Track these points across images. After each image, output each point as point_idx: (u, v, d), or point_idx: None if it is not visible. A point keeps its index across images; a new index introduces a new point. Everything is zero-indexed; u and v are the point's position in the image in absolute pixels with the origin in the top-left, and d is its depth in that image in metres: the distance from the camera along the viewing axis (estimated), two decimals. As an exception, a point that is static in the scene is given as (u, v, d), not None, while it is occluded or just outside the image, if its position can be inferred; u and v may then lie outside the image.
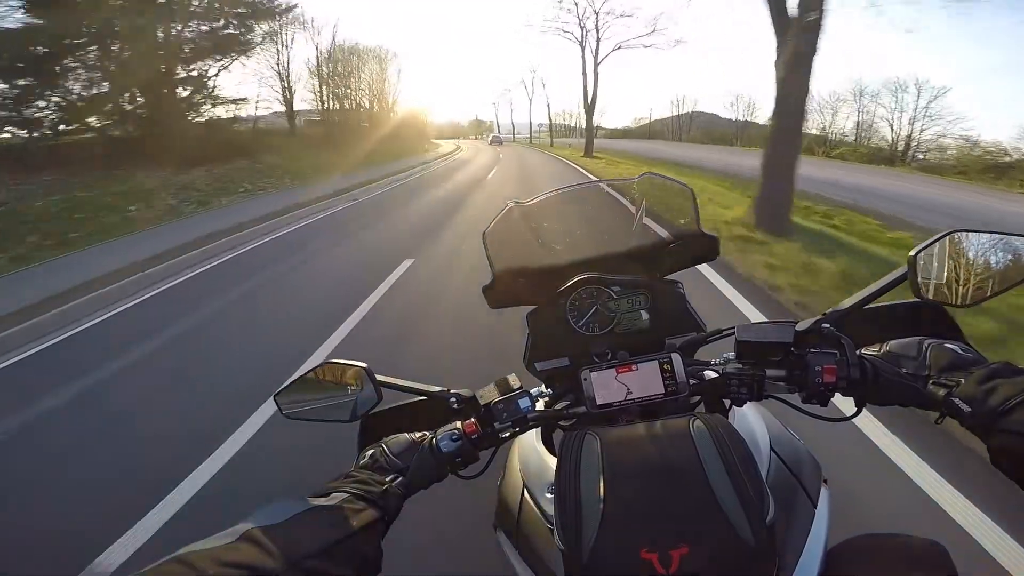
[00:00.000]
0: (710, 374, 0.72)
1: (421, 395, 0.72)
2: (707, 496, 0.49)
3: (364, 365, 0.70)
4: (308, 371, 0.71)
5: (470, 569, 1.57)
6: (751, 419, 0.82)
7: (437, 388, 0.72)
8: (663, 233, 0.87)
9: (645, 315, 0.85)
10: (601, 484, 0.52)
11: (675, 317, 0.84)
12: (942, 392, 0.55)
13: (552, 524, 0.53)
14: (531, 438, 0.89)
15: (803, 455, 0.79)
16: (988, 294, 0.61)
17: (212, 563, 0.38)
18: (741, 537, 0.47)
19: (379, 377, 0.70)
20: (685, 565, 0.46)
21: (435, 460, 0.66)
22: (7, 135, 12.32)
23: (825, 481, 0.76)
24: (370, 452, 0.64)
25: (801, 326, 0.66)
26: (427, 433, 0.69)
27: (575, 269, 0.87)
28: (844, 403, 0.66)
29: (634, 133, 75.37)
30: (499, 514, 0.85)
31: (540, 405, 0.76)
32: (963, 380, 0.54)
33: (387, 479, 0.59)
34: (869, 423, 2.22)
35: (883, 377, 0.60)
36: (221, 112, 18.30)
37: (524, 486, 0.81)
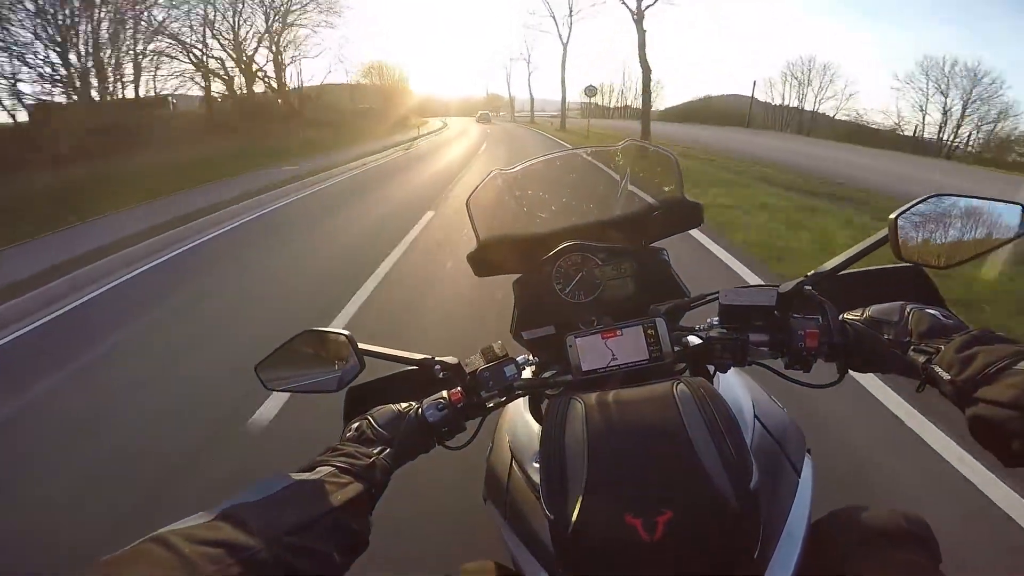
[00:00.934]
0: (694, 340, 0.72)
1: (404, 363, 0.72)
2: (691, 461, 0.49)
3: (347, 333, 0.68)
4: (288, 341, 0.70)
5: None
6: (735, 387, 0.82)
7: (421, 356, 0.72)
8: (647, 200, 0.87)
9: (630, 282, 0.85)
10: (585, 451, 0.51)
11: (660, 284, 0.84)
12: (922, 359, 0.55)
13: (539, 494, 0.53)
14: (519, 408, 0.89)
15: (787, 424, 0.80)
16: (968, 257, 0.62)
17: (188, 541, 0.37)
18: (725, 502, 0.47)
19: (361, 345, 0.69)
20: (669, 530, 0.46)
21: (421, 430, 0.66)
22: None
23: (808, 451, 0.77)
24: (356, 424, 0.64)
25: (783, 288, 0.66)
26: (413, 403, 0.68)
27: (560, 237, 0.86)
28: (827, 370, 0.66)
29: (699, 115, 56.25)
30: (488, 486, 0.85)
31: (527, 374, 0.75)
32: (943, 347, 0.53)
33: (374, 451, 0.58)
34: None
35: (865, 343, 0.61)
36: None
37: (512, 457, 0.81)
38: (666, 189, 0.87)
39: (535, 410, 0.89)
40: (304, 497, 0.47)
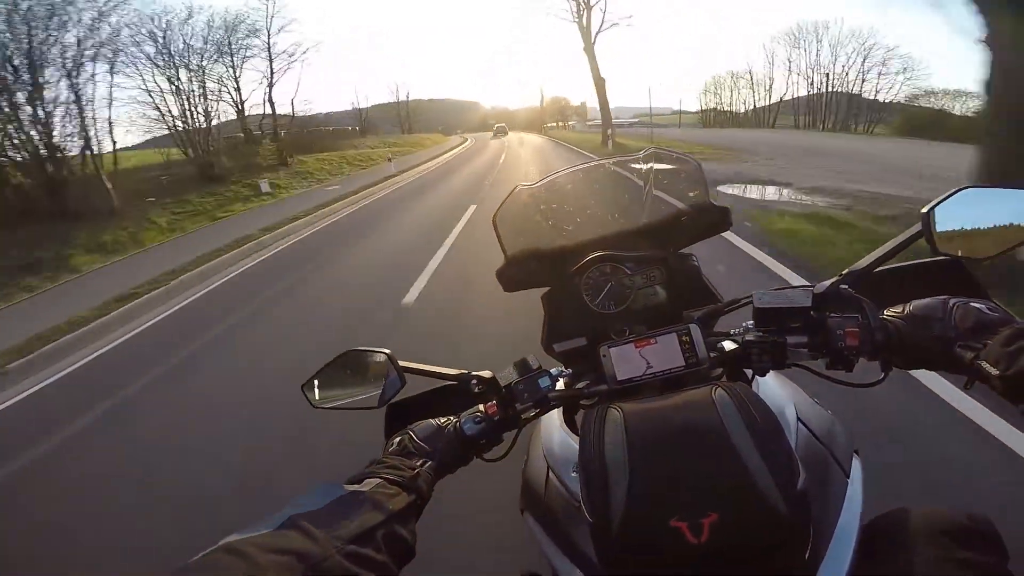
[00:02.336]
0: (730, 344, 0.71)
1: (442, 379, 0.73)
2: (735, 464, 0.49)
3: (387, 352, 0.71)
4: (331, 361, 0.72)
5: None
6: (775, 389, 0.81)
7: (457, 371, 0.73)
8: (673, 207, 0.87)
9: (661, 290, 0.85)
10: (626, 456, 0.52)
11: (691, 290, 0.84)
12: (969, 355, 0.53)
13: (579, 502, 0.54)
14: (553, 420, 0.89)
15: (832, 425, 0.78)
16: (1006, 248, 0.61)
17: (261, 551, 0.39)
18: (772, 505, 0.46)
19: (401, 363, 0.71)
20: (716, 534, 0.46)
21: (461, 443, 0.67)
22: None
23: (857, 451, 0.75)
24: (398, 439, 0.65)
25: (819, 288, 0.66)
26: (451, 418, 0.70)
27: (587, 248, 0.87)
28: (869, 369, 0.65)
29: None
30: (525, 497, 0.85)
31: (560, 385, 0.76)
32: (989, 342, 0.52)
33: (417, 464, 0.60)
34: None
35: (908, 339, 0.59)
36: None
37: (548, 467, 0.81)
38: (692, 194, 0.87)
39: (569, 421, 0.90)
40: (359, 507, 0.49)
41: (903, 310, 0.62)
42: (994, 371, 0.50)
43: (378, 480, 0.54)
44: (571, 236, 0.91)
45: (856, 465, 0.72)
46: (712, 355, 0.70)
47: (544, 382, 0.71)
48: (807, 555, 0.50)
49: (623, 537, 0.48)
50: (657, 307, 0.84)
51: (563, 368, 0.80)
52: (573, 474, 0.77)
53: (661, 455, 0.52)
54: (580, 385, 0.76)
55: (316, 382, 0.73)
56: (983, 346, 0.52)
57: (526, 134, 52.41)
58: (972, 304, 0.58)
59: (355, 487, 0.52)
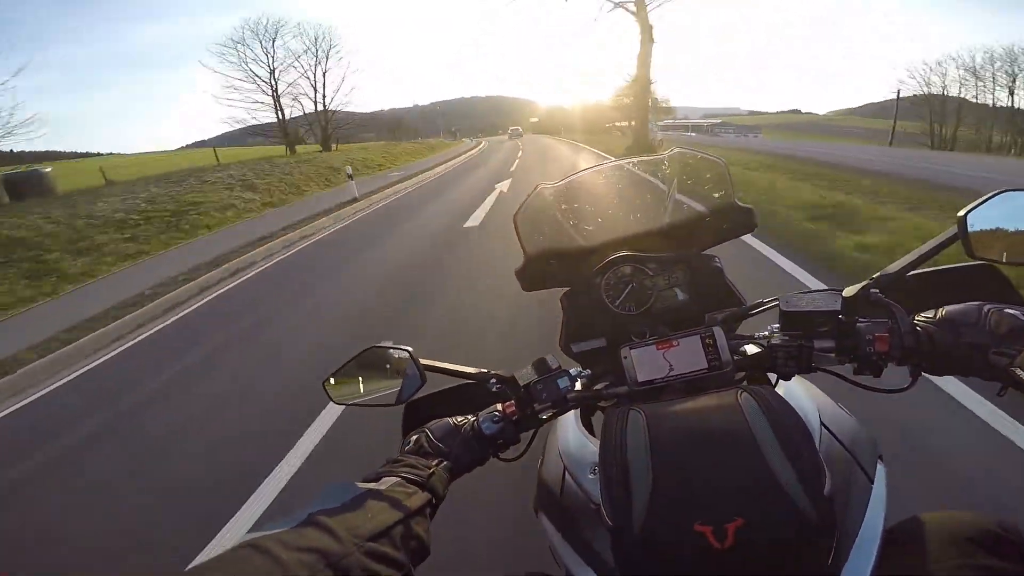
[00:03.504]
0: (754, 348, 0.70)
1: (462, 377, 0.73)
2: (761, 467, 0.48)
3: (409, 349, 0.71)
4: (353, 357, 0.73)
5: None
6: (799, 394, 0.79)
7: (477, 370, 0.73)
8: (697, 208, 0.86)
9: (682, 291, 0.84)
10: (649, 459, 0.51)
11: (714, 292, 0.83)
12: (1004, 361, 0.52)
13: (596, 503, 0.53)
14: (570, 421, 0.89)
15: (857, 430, 0.76)
16: None
17: (283, 547, 0.39)
18: (799, 509, 0.45)
19: (423, 361, 0.71)
20: (741, 538, 0.45)
21: (477, 443, 0.67)
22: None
23: (880, 457, 0.73)
24: (414, 437, 0.66)
25: (848, 292, 0.64)
26: (469, 417, 0.70)
27: (608, 249, 0.86)
28: (898, 374, 0.63)
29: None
30: (540, 498, 0.85)
31: (578, 386, 0.76)
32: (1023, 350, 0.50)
33: (433, 463, 0.60)
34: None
35: (940, 346, 0.58)
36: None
37: (565, 468, 0.81)
38: (716, 195, 0.86)
39: (586, 422, 0.89)
40: (377, 505, 0.49)
41: (935, 315, 0.60)
42: None
43: (395, 479, 0.55)
44: (592, 236, 0.91)
45: (880, 470, 0.71)
46: (736, 358, 0.68)
47: (563, 382, 0.71)
48: (830, 560, 0.49)
49: (645, 541, 0.48)
50: (679, 309, 0.83)
51: (581, 369, 0.79)
52: (591, 475, 0.77)
53: (685, 458, 0.51)
54: (599, 386, 0.76)
55: (337, 378, 0.74)
56: (1018, 353, 0.51)
57: (555, 139, 42.98)
58: (1007, 310, 0.56)
59: (372, 485, 0.53)
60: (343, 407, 0.77)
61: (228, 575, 0.36)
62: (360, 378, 0.73)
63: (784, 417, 0.52)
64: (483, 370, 0.73)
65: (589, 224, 0.92)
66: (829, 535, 0.47)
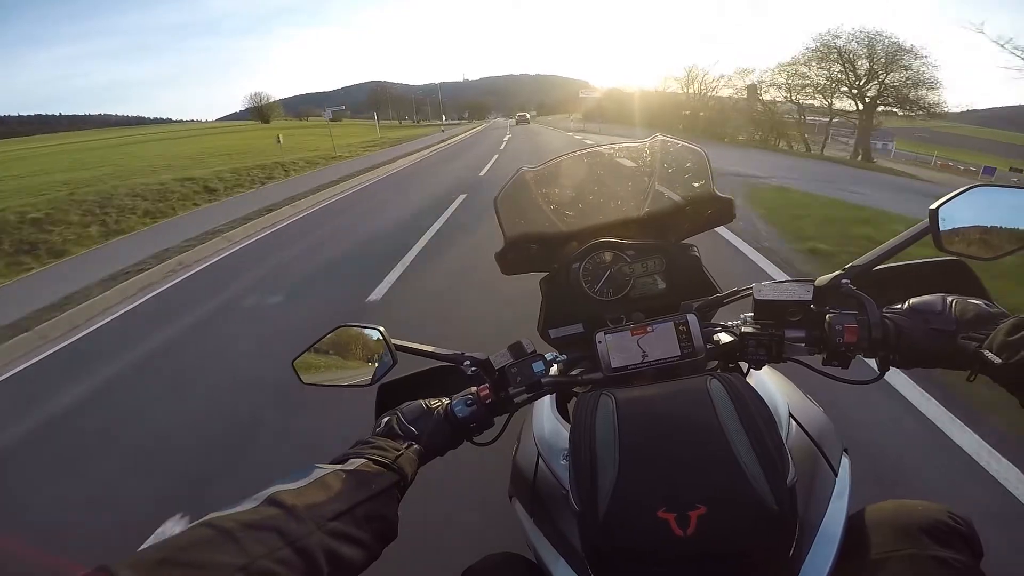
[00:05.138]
0: (727, 336, 0.70)
1: (435, 358, 0.72)
2: (726, 456, 0.48)
3: (380, 329, 0.70)
4: (322, 336, 0.71)
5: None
6: (769, 384, 0.80)
7: (451, 352, 0.72)
8: (676, 197, 0.86)
9: (660, 279, 0.84)
10: (616, 444, 0.51)
11: (690, 281, 0.83)
12: (972, 346, 0.53)
13: (567, 489, 0.53)
14: (546, 407, 0.89)
15: (824, 423, 0.78)
16: (1012, 249, 0.60)
17: (241, 527, 0.39)
18: (762, 499, 0.46)
19: (394, 341, 0.70)
20: (703, 526, 0.46)
21: (450, 426, 0.67)
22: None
23: (846, 450, 0.75)
24: (385, 419, 0.65)
25: (820, 282, 0.65)
26: (442, 400, 0.69)
27: (588, 235, 0.86)
28: (867, 366, 0.64)
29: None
30: (514, 483, 0.85)
31: (555, 371, 0.75)
32: (992, 333, 0.52)
33: (403, 446, 0.60)
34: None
35: (908, 337, 0.59)
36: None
37: (539, 454, 0.81)
38: (696, 185, 0.86)
39: (562, 408, 0.89)
40: (341, 486, 0.49)
41: (902, 306, 0.61)
42: (997, 360, 0.49)
43: (362, 460, 0.54)
44: (572, 222, 0.90)
45: (845, 463, 0.72)
46: (708, 346, 0.69)
47: (538, 366, 0.70)
48: (792, 551, 0.49)
49: (608, 527, 0.48)
50: (655, 296, 0.84)
51: (558, 354, 0.79)
52: (563, 461, 0.77)
53: (652, 445, 0.51)
54: (575, 372, 0.76)
55: (307, 358, 0.72)
56: (985, 337, 0.52)
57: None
58: (971, 300, 0.58)
59: (338, 467, 0.52)
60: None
61: (184, 555, 0.35)
62: (331, 358, 0.72)
63: (751, 406, 0.52)
64: (458, 352, 0.72)
65: (570, 209, 0.91)
66: (791, 525, 0.47)
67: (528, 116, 59.59)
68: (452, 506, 1.75)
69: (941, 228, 0.60)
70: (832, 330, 0.61)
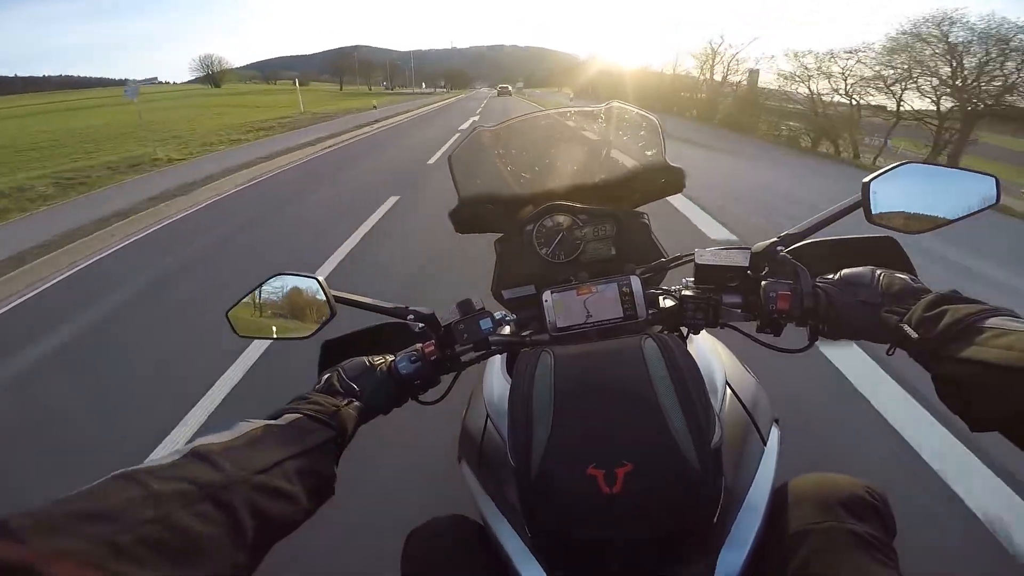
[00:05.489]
0: (669, 301, 0.72)
1: (377, 311, 0.71)
2: (655, 415, 0.50)
3: (319, 279, 0.68)
4: (257, 285, 0.69)
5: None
6: (707, 350, 0.83)
7: (394, 305, 0.71)
8: (629, 164, 0.86)
9: (610, 244, 0.85)
10: (552, 402, 0.52)
11: (639, 247, 0.85)
12: (894, 319, 0.55)
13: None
14: (496, 367, 0.89)
15: (757, 392, 0.81)
16: (937, 224, 0.63)
17: (156, 479, 0.37)
18: (686, 459, 0.47)
19: (333, 292, 0.68)
20: (629, 483, 0.47)
21: (394, 383, 0.66)
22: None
23: (777, 420, 0.78)
24: (326, 376, 0.64)
25: (756, 248, 0.67)
26: (387, 357, 0.68)
27: (543, 198, 0.86)
28: (798, 336, 0.66)
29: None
30: (462, 446, 0.85)
31: (505, 331, 0.76)
32: (912, 308, 0.54)
33: (342, 402, 0.59)
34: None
35: (836, 307, 0.61)
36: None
37: (487, 416, 0.82)
38: (648, 153, 0.86)
39: (511, 369, 0.90)
40: (272, 440, 0.47)
41: (834, 277, 0.64)
42: (914, 335, 0.51)
43: (297, 415, 0.53)
44: (527, 185, 0.90)
45: (775, 433, 0.75)
46: (651, 310, 0.70)
47: (485, 324, 0.70)
48: (717, 515, 0.51)
49: (540, 483, 0.49)
50: (605, 261, 0.85)
51: (507, 313, 0.79)
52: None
53: (585, 402, 0.52)
54: (525, 333, 0.76)
55: (242, 308, 0.70)
56: (906, 311, 0.54)
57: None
58: (897, 275, 0.60)
59: (271, 422, 0.51)
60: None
61: (91, 507, 0.33)
62: (267, 309, 0.70)
63: (683, 368, 0.53)
64: (402, 305, 0.71)
65: (526, 172, 0.91)
66: (715, 488, 0.49)
67: (511, 88, 56.76)
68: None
69: (872, 201, 0.62)
70: (766, 297, 0.63)
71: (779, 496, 0.66)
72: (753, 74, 20.25)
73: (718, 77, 22.02)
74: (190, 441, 0.43)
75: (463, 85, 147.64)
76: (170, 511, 0.35)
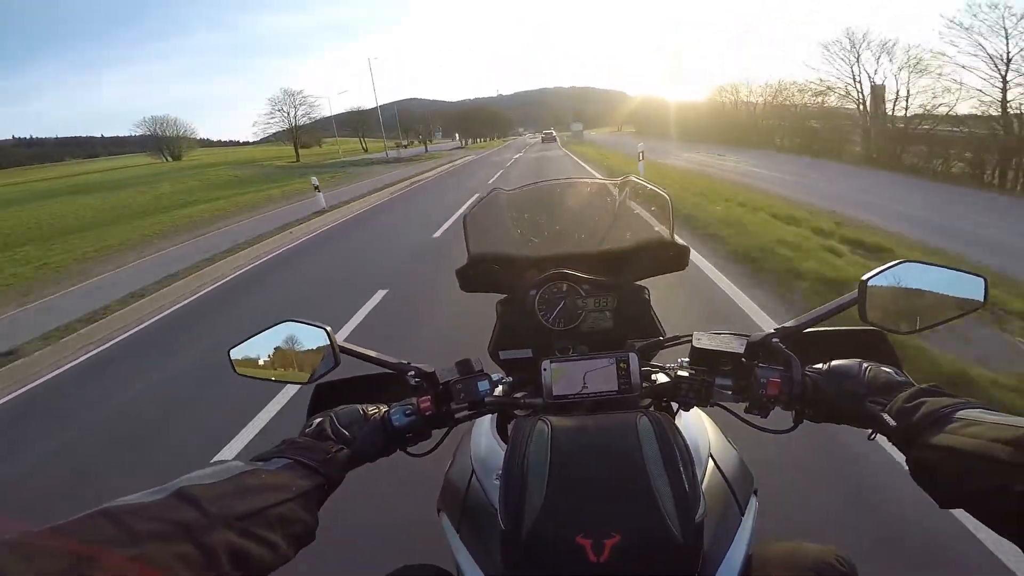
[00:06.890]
0: (663, 378, 0.74)
1: (381, 365, 0.72)
2: (644, 489, 0.51)
3: (327, 328, 0.69)
4: (265, 328, 0.70)
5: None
6: (694, 425, 0.84)
7: (397, 360, 0.73)
8: (637, 238, 0.89)
9: (610, 316, 0.87)
10: (547, 469, 0.53)
11: (638, 321, 0.87)
12: (876, 408, 0.58)
13: (496, 508, 0.54)
14: (485, 426, 0.90)
15: (738, 465, 0.82)
16: (928, 325, 0.65)
17: (139, 518, 0.37)
18: (671, 532, 0.48)
19: (340, 343, 0.69)
20: (615, 554, 0.48)
21: (385, 434, 0.67)
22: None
23: (755, 492, 0.79)
24: (317, 420, 0.64)
25: (753, 338, 0.69)
26: (380, 407, 0.69)
27: (549, 263, 0.88)
28: (783, 418, 0.68)
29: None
30: (443, 497, 0.85)
31: (499, 392, 0.76)
32: (893, 399, 0.57)
33: (332, 448, 0.59)
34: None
35: (822, 396, 0.63)
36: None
37: (473, 471, 0.82)
38: (657, 229, 0.89)
39: (501, 429, 0.90)
40: (258, 485, 0.47)
41: (823, 367, 0.66)
42: (892, 423, 0.55)
43: (286, 460, 0.53)
44: (535, 248, 0.93)
45: (753, 503, 0.76)
46: (645, 384, 0.72)
47: (483, 385, 0.72)
48: None
49: (531, 546, 0.50)
50: (604, 332, 0.86)
51: (504, 375, 0.81)
52: (495, 480, 0.77)
53: (580, 473, 0.53)
54: (519, 395, 0.77)
55: (246, 348, 0.71)
56: (888, 402, 0.57)
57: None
58: (883, 368, 0.63)
59: (259, 465, 0.51)
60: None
61: (76, 540, 0.34)
62: (270, 352, 0.71)
63: (675, 445, 0.54)
64: (404, 361, 0.73)
65: (536, 236, 0.94)
66: (695, 558, 0.50)
67: (555, 134, 50.68)
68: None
69: (868, 300, 0.64)
70: (758, 382, 0.65)
71: (752, 562, 0.68)
72: (878, 89, 17.05)
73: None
74: (177, 480, 0.43)
75: (502, 132, 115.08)
76: (149, 551, 0.35)
